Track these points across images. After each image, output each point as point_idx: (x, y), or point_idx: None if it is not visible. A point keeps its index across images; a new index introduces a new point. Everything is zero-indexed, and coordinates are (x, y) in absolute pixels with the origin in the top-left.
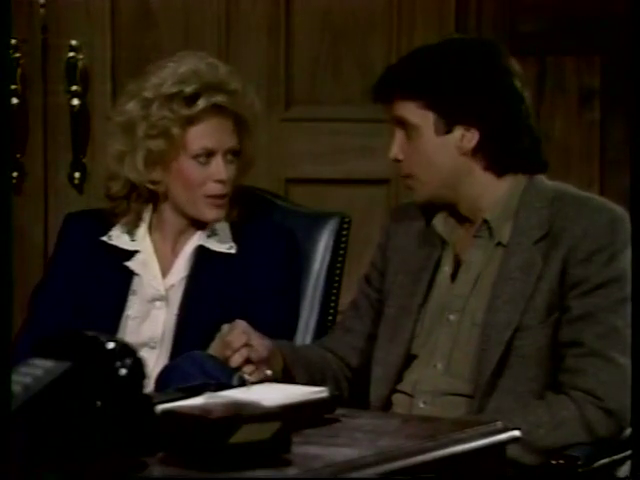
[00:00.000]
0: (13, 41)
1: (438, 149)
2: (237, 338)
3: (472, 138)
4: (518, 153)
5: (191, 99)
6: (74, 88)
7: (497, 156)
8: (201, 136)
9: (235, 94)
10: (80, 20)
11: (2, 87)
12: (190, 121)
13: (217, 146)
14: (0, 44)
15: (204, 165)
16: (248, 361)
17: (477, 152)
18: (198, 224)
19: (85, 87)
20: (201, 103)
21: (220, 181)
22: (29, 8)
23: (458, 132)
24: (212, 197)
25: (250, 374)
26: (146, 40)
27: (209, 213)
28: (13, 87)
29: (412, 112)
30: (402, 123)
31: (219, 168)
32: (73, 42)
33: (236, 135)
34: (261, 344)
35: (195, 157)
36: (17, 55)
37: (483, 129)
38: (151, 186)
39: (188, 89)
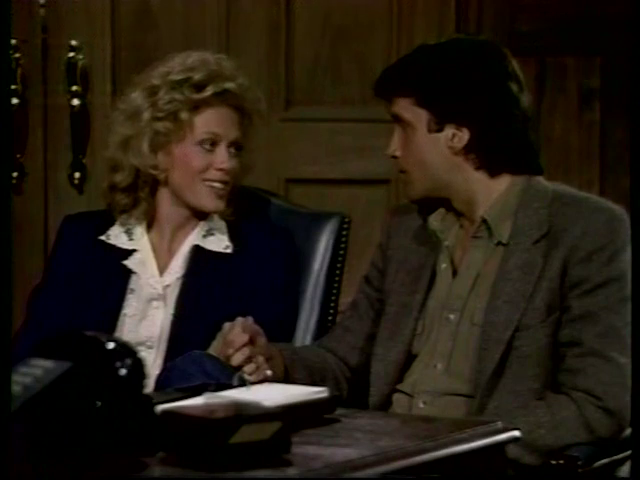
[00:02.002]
0: (13, 41)
1: (430, 147)
2: (238, 337)
3: (462, 137)
4: (509, 155)
5: (200, 86)
6: (74, 88)
7: (488, 156)
8: (208, 122)
9: (242, 87)
10: (80, 20)
11: (2, 87)
12: (198, 106)
13: (223, 134)
14: (0, 44)
15: (208, 152)
16: (249, 359)
17: (469, 152)
18: (197, 216)
19: (85, 87)
20: (210, 89)
21: (222, 169)
22: (29, 8)
23: (449, 131)
24: (213, 183)
25: (251, 373)
26: (146, 40)
27: (209, 202)
28: (13, 87)
29: (406, 109)
30: (399, 120)
31: (222, 157)
32: (73, 42)
33: (240, 129)
34: (257, 328)
35: (200, 143)
36: (17, 55)
37: (473, 129)
38: (153, 171)
39: (197, 76)
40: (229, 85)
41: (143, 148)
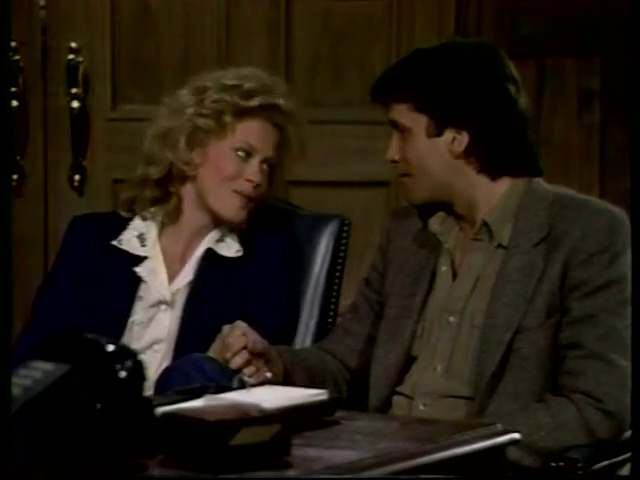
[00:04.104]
0: (13, 43)
1: (430, 151)
2: (237, 340)
3: (462, 141)
4: (510, 157)
5: (249, 95)
6: (74, 90)
7: (489, 159)
8: (249, 133)
9: (291, 108)
10: (80, 22)
11: (2, 89)
12: (243, 113)
13: (260, 148)
14: (0, 46)
15: (241, 161)
16: (249, 362)
17: (469, 155)
18: (213, 225)
19: (85, 89)
20: (259, 99)
21: (251, 181)
22: (29, 10)
23: (449, 135)
24: (240, 195)
25: (250, 375)
26: (146, 42)
27: (231, 211)
28: (13, 89)
29: (404, 115)
30: (397, 125)
31: (254, 169)
32: (73, 44)
33: (276, 150)
34: (259, 341)
35: (236, 150)
36: (17, 57)
37: (473, 132)
38: (184, 167)
39: (248, 85)
40: (278, 101)
41: (180, 142)
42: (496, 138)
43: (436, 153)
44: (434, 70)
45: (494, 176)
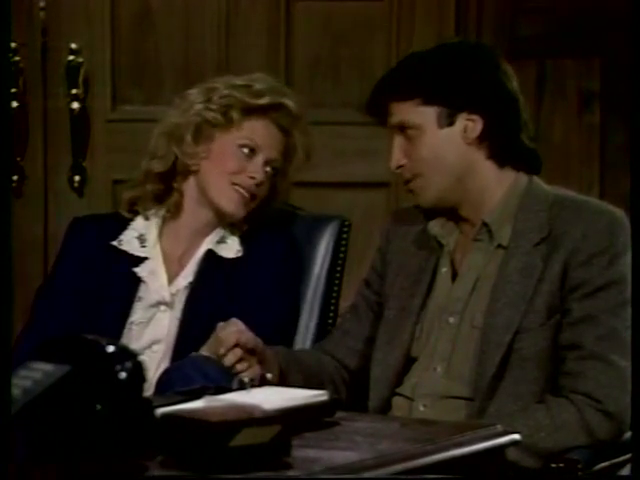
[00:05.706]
0: (13, 44)
1: (443, 142)
2: (229, 336)
3: (475, 127)
4: (519, 144)
5: (258, 94)
6: (74, 91)
7: (500, 143)
8: (254, 131)
9: (298, 111)
10: (80, 23)
11: (2, 90)
12: (250, 111)
13: (264, 146)
14: (0, 47)
15: (245, 158)
16: (241, 360)
17: (483, 140)
18: (214, 223)
19: (85, 90)
20: (267, 98)
21: (253, 178)
22: (29, 11)
23: (461, 123)
24: (240, 189)
25: (242, 371)
26: (146, 43)
27: (231, 204)
28: (13, 90)
29: (412, 112)
30: (402, 128)
31: (257, 167)
32: (73, 45)
33: (281, 156)
34: (251, 338)
35: (240, 146)
36: (17, 58)
37: (486, 115)
38: (189, 161)
39: (257, 85)
40: (286, 101)
41: (187, 136)
42: (508, 119)
43: (449, 143)
44: (439, 60)
45: (501, 164)
